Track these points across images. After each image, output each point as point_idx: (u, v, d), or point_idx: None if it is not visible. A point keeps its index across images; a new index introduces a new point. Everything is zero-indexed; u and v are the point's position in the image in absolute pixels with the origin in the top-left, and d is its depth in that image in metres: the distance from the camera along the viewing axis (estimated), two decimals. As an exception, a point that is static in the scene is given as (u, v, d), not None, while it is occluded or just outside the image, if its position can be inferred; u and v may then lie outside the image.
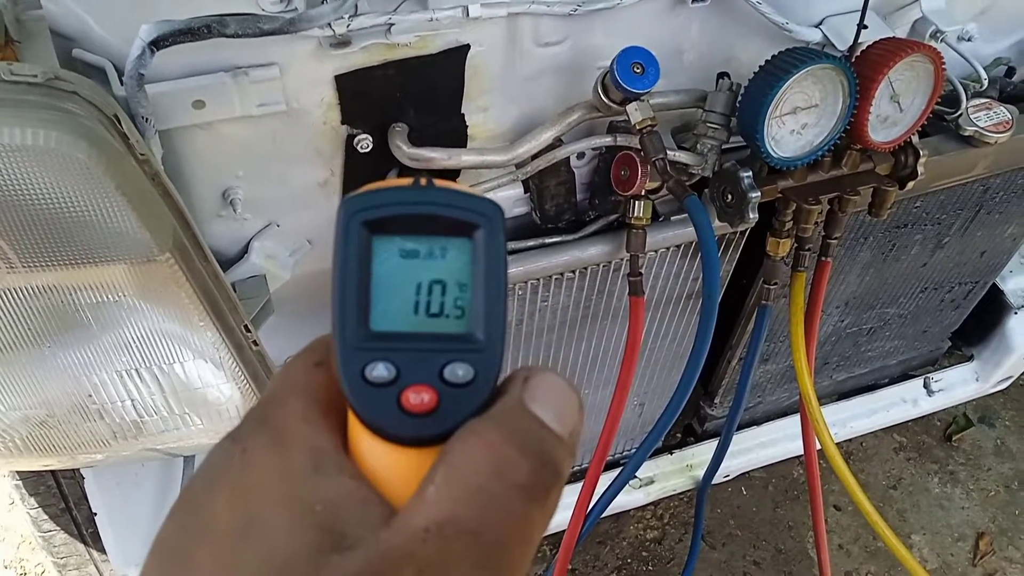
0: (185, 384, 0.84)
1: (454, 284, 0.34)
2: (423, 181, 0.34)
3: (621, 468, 1.18)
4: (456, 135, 0.95)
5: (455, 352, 0.33)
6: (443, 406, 0.32)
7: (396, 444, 0.32)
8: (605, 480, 1.17)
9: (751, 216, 0.90)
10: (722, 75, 0.95)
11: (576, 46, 0.93)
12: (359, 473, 0.33)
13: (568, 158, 0.98)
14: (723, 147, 0.96)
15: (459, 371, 0.33)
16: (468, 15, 0.84)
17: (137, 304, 0.76)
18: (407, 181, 0.34)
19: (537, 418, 0.32)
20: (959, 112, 1.05)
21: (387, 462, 0.33)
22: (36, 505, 1.21)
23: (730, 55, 1.01)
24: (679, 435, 1.59)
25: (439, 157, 0.89)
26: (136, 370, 0.81)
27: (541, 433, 0.32)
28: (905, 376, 1.65)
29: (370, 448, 0.33)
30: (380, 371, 0.33)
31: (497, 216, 0.34)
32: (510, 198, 1.00)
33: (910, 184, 0.99)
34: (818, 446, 1.30)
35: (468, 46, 0.88)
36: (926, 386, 1.62)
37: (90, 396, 0.82)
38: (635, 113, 0.87)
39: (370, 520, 0.31)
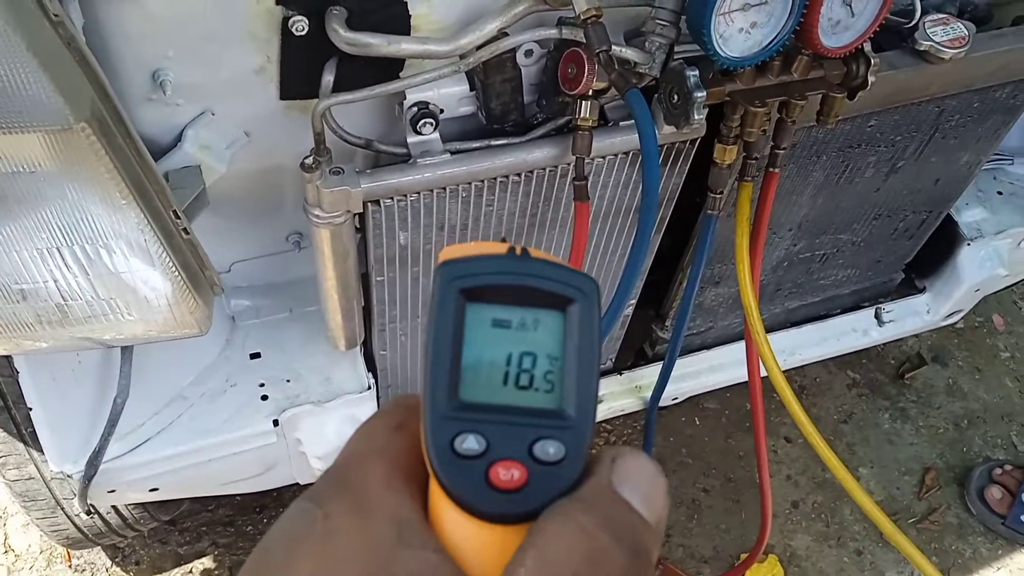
0: (109, 268, 0.82)
1: (544, 357, 0.34)
2: (518, 250, 0.34)
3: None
4: (398, 23, 0.92)
5: (545, 428, 0.33)
6: (531, 484, 0.32)
7: (481, 520, 0.32)
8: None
9: (696, 117, 0.89)
10: (675, -28, 0.92)
11: (522, -67, 0.90)
12: (441, 547, 0.32)
13: (515, 55, 0.96)
14: (673, 49, 0.94)
15: (550, 448, 0.32)
16: None
17: (55, 178, 0.73)
18: (502, 248, 0.35)
19: (627, 503, 0.32)
20: (913, 23, 1.03)
21: (469, 537, 0.32)
22: (-28, 403, 1.19)
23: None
24: (631, 361, 1.59)
25: (378, 43, 0.86)
26: (57, 249, 0.78)
27: (633, 520, 0.32)
28: (857, 307, 1.66)
29: (452, 521, 0.33)
30: (470, 443, 0.32)
31: (593, 292, 0.34)
32: (455, 95, 0.98)
33: (860, 94, 0.98)
34: (763, 372, 1.31)
35: (407, -75, 0.85)
36: (877, 316, 1.63)
37: (10, 275, 0.79)
38: (580, 2, 0.85)
39: None
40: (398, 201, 0.95)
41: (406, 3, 0.90)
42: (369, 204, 0.94)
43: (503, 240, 0.36)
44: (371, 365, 1.21)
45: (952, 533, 2.01)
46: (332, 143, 0.94)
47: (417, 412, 0.34)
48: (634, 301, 1.34)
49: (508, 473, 0.32)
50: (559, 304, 0.34)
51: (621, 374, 1.50)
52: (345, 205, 0.92)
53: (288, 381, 1.19)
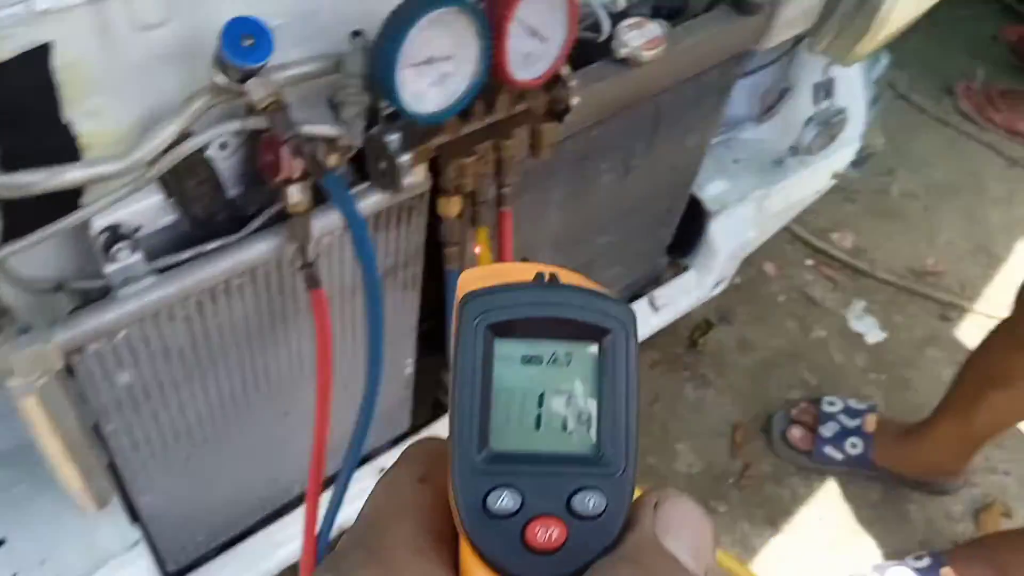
0: None
1: (580, 395, 0.32)
2: (547, 276, 0.32)
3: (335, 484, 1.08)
4: (67, 150, 0.81)
5: (584, 477, 0.31)
6: (571, 541, 0.30)
7: None
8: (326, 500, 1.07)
9: (406, 182, 0.84)
10: (356, 33, 0.87)
11: (186, 25, 0.82)
12: None
13: (203, 154, 0.87)
14: (377, 110, 0.89)
15: (590, 501, 0.30)
16: (34, 10, 0.71)
17: None
18: (528, 273, 0.32)
19: (674, 558, 0.30)
20: (603, 36, 1.04)
21: None
22: None
23: (367, 9, 0.93)
24: (430, 414, 1.54)
25: (38, 179, 0.76)
26: None
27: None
28: (633, 299, 1.69)
29: None
30: (505, 502, 0.30)
31: (630, 321, 0.32)
32: (150, 208, 0.88)
33: (568, 116, 0.97)
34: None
35: (47, 45, 0.75)
36: (651, 304, 1.67)
37: None
38: (256, 90, 0.78)
39: None
40: (107, 343, 0.84)
41: (67, 125, 0.80)
42: (73, 355, 0.83)
43: (524, 260, 0.31)
44: (134, 512, 1.08)
45: (770, 481, 2.10)
46: (16, 296, 0.82)
47: (442, 459, 0.32)
48: (411, 361, 1.28)
49: (546, 533, 0.30)
50: (593, 336, 0.32)
51: (421, 432, 1.44)
52: (43, 365, 0.80)
53: (44, 563, 1.03)
